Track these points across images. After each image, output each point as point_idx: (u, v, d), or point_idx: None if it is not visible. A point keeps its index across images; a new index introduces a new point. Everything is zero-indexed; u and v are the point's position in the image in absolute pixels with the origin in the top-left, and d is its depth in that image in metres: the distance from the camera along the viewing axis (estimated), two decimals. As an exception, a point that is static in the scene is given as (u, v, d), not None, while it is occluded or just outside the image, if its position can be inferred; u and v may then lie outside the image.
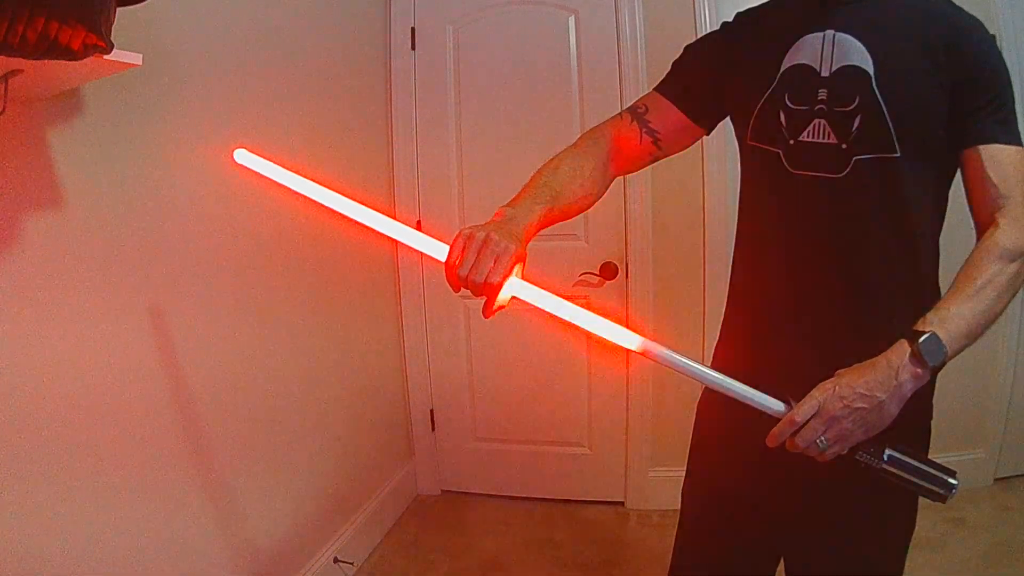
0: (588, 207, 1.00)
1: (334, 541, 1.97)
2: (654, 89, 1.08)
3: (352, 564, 1.99)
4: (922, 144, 0.89)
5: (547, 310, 0.82)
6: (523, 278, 0.83)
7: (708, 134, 1.08)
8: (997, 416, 2.30)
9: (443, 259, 0.82)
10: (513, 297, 0.82)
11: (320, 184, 0.92)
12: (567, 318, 0.81)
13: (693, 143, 1.09)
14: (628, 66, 2.22)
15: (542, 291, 0.82)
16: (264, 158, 0.95)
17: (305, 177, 0.93)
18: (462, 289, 0.81)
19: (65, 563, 1.10)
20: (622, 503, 2.43)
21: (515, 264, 0.80)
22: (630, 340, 0.81)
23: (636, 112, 1.06)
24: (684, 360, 0.81)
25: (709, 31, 1.11)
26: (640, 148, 1.06)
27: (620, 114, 1.08)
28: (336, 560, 1.93)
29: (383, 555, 2.17)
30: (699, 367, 0.81)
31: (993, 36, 0.90)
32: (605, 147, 1.03)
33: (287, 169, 0.93)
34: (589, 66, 2.26)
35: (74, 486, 1.12)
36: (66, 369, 1.11)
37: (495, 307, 0.81)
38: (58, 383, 1.10)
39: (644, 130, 1.05)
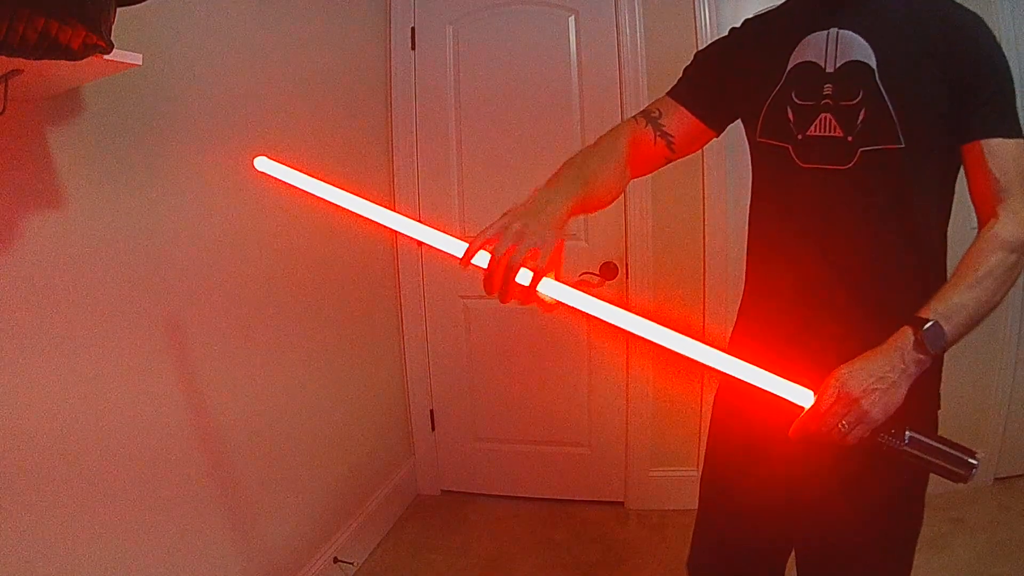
0: (608, 204, 1.02)
1: (334, 541, 1.97)
2: (667, 94, 1.11)
3: (352, 564, 1.99)
4: (926, 135, 0.91)
5: (584, 310, 0.84)
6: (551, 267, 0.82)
7: (718, 136, 1.11)
8: (997, 416, 2.30)
9: (484, 265, 0.79)
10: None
11: (341, 188, 0.92)
12: (605, 318, 0.83)
13: (704, 145, 1.12)
14: (628, 66, 2.22)
15: (578, 292, 0.83)
16: (285, 164, 0.96)
17: (323, 181, 0.93)
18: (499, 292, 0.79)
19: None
20: (622, 503, 2.43)
21: (557, 254, 0.81)
22: (668, 338, 0.83)
23: (650, 116, 1.09)
24: (714, 353, 0.82)
25: (716, 34, 1.13)
26: (654, 150, 1.08)
27: (635, 117, 1.10)
28: (336, 560, 1.93)
29: (383, 555, 2.17)
30: (726, 358, 0.83)
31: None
32: (623, 148, 1.05)
33: (308, 175, 0.94)
34: (589, 66, 2.26)
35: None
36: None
37: (544, 301, 0.81)
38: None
39: (658, 133, 1.07)
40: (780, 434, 0.86)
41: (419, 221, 0.88)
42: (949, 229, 0.99)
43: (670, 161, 1.10)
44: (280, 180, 0.95)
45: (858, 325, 0.93)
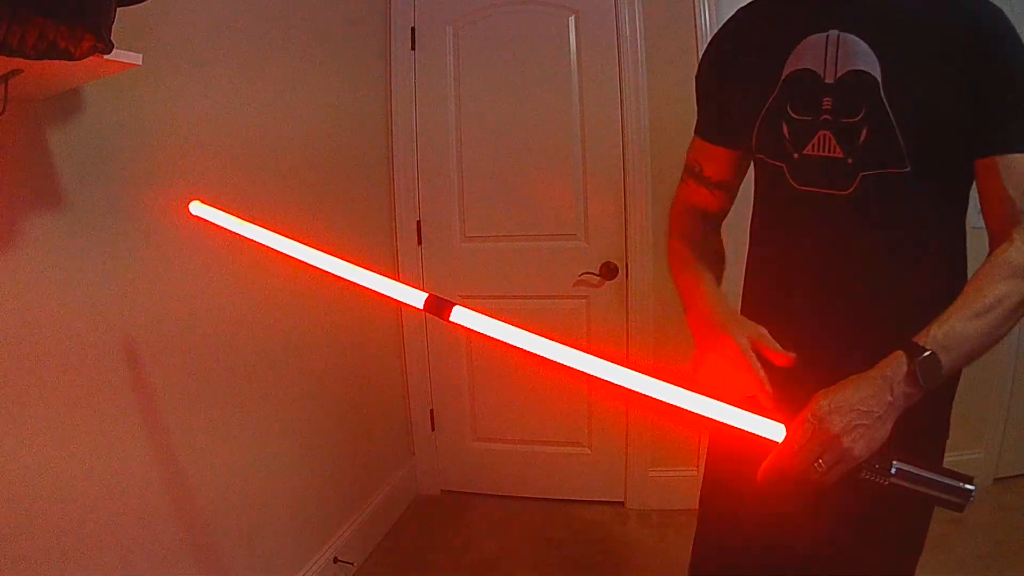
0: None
1: (334, 541, 1.96)
2: (694, 133, 1.09)
3: (352, 564, 1.99)
4: (935, 157, 0.83)
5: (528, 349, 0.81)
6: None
7: None
8: (997, 416, 2.30)
9: (418, 306, 0.84)
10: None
11: (283, 235, 0.92)
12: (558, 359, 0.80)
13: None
14: (628, 66, 2.22)
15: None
16: (223, 210, 0.95)
17: (269, 229, 0.92)
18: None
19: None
20: (622, 503, 2.43)
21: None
22: (626, 377, 0.77)
23: (694, 173, 1.08)
24: (660, 385, 0.76)
25: (712, 33, 1.09)
26: (716, 199, 1.08)
27: (684, 180, 1.10)
28: (336, 560, 1.93)
29: (383, 555, 2.17)
30: (677, 392, 0.76)
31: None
32: (709, 216, 1.08)
33: (244, 219, 0.94)
34: (589, 66, 2.26)
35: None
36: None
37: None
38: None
39: (710, 187, 1.07)
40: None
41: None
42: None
43: (739, 186, 1.10)
44: (216, 225, 0.94)
45: (862, 354, 0.82)
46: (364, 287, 0.86)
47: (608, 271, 2.29)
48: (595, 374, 0.77)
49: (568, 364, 0.78)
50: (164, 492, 1.33)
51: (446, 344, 2.49)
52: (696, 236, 1.08)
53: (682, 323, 1.02)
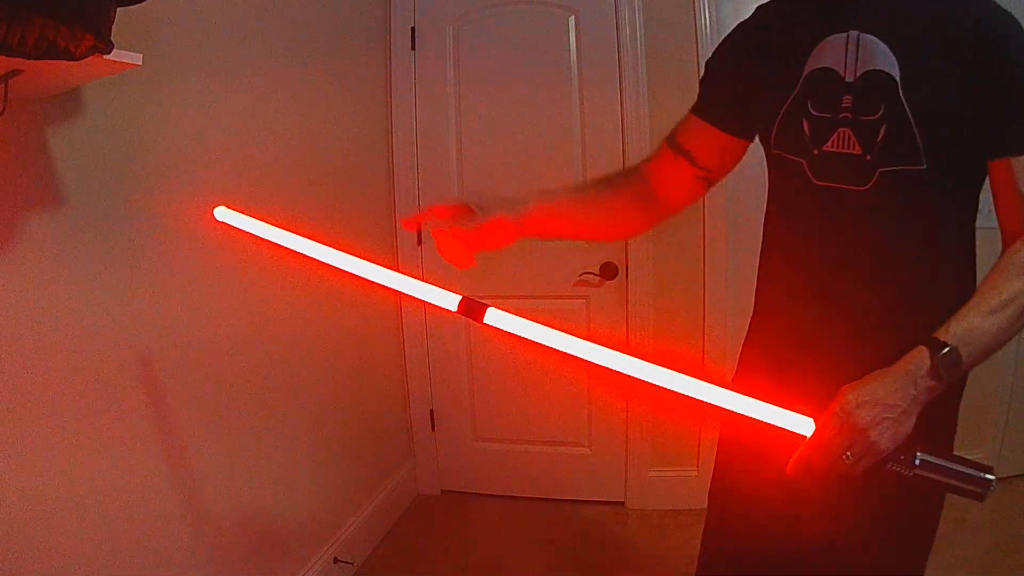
0: (628, 230, 1.07)
1: (334, 541, 1.97)
2: (689, 111, 1.08)
3: (352, 564, 1.99)
4: (951, 155, 0.85)
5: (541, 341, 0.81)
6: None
7: (751, 142, 1.06)
8: (997, 416, 2.31)
9: (452, 308, 0.86)
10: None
11: (309, 238, 0.93)
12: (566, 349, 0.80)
13: (742, 155, 1.08)
14: (628, 66, 2.22)
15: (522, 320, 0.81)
16: (247, 213, 0.95)
17: (292, 230, 0.93)
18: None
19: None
20: (622, 503, 2.43)
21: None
22: (616, 361, 0.79)
23: (669, 136, 1.07)
24: (693, 383, 0.77)
25: (716, 34, 1.09)
26: (676, 168, 1.06)
27: (656, 149, 1.09)
28: (336, 560, 1.93)
29: (383, 555, 2.17)
30: (709, 389, 0.77)
31: None
32: (643, 171, 1.07)
33: (270, 223, 0.94)
34: (589, 66, 2.26)
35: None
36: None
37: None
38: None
39: (677, 151, 1.06)
40: (790, 447, 0.80)
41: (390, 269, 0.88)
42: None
43: (710, 180, 1.08)
44: (241, 230, 0.94)
45: (875, 348, 0.85)
46: (397, 290, 0.87)
47: (608, 271, 2.29)
48: (639, 376, 0.79)
49: (608, 366, 0.79)
50: (165, 492, 1.33)
51: (446, 344, 2.49)
52: (615, 184, 1.08)
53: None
